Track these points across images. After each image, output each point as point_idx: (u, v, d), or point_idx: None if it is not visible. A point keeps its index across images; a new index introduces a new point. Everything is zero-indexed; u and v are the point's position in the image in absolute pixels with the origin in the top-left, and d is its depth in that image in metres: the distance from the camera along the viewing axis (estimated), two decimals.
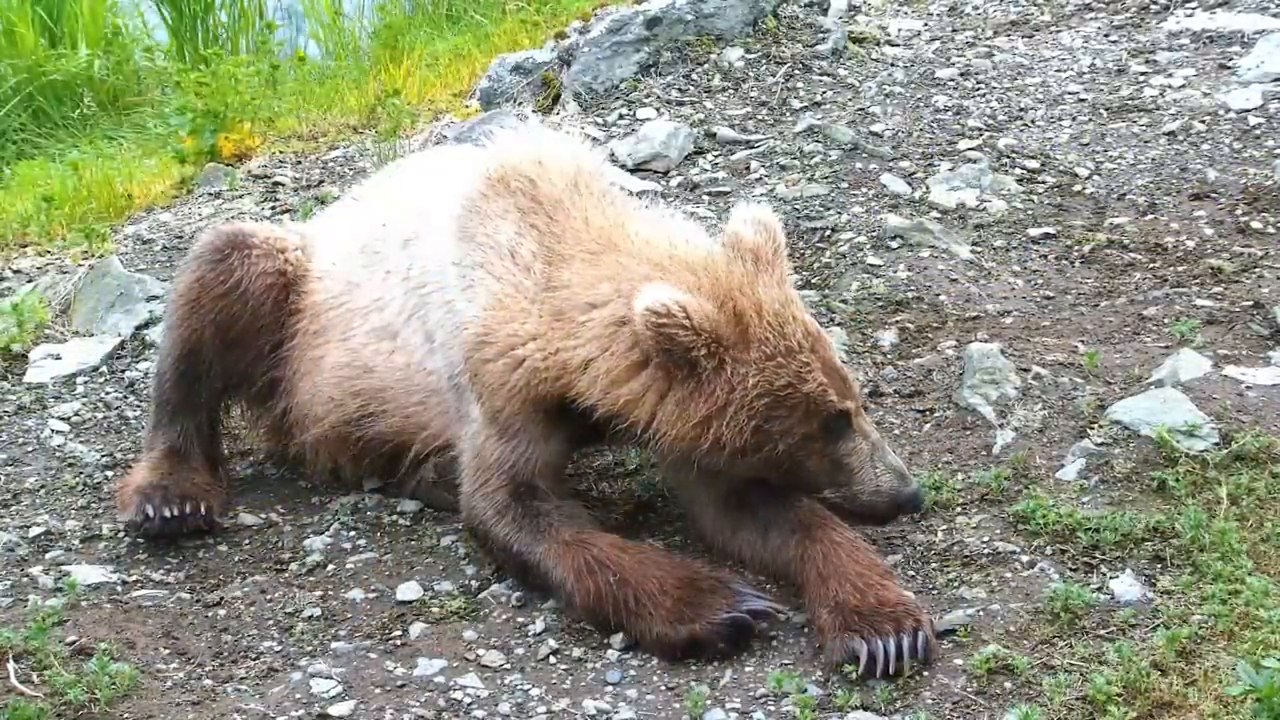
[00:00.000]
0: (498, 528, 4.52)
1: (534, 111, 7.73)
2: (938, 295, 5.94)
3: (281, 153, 8.15)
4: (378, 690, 4.13)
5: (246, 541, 4.93)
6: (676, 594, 4.20)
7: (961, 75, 7.82)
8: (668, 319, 4.15)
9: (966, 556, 4.52)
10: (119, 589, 4.64)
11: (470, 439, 4.60)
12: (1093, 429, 5.01)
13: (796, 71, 7.83)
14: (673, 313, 4.15)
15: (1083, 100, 7.52)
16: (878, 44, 8.18)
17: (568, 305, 4.43)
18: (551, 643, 4.29)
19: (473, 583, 4.62)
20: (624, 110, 7.59)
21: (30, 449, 5.44)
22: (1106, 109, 7.42)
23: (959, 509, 4.74)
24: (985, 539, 4.57)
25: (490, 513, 4.53)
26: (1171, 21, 8.29)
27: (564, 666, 4.21)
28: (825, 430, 4.30)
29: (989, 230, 6.43)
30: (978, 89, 7.69)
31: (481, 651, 4.28)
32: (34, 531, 4.93)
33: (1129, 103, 7.46)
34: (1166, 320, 5.68)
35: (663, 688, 4.09)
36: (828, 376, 4.30)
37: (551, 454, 4.57)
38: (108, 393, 5.81)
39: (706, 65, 7.86)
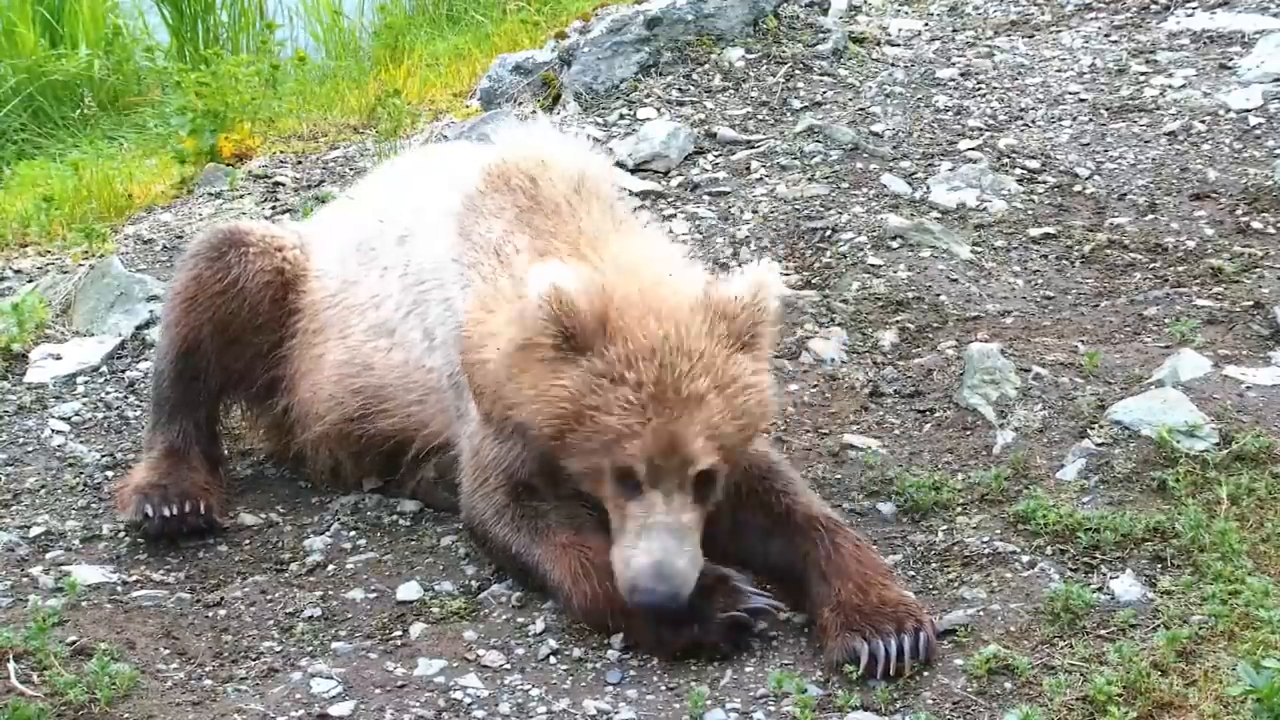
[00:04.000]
0: (496, 528, 4.51)
1: (534, 111, 7.73)
2: (938, 295, 5.94)
3: (282, 153, 8.16)
4: (378, 690, 4.12)
5: (246, 541, 4.93)
6: None
7: (962, 75, 7.83)
8: (544, 300, 4.12)
9: (966, 556, 4.52)
10: (119, 589, 4.64)
11: (469, 438, 4.59)
12: (1093, 429, 5.01)
13: (797, 71, 7.83)
14: (546, 293, 4.12)
15: (1083, 100, 7.53)
16: (878, 44, 8.18)
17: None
18: (551, 643, 4.29)
19: (473, 583, 4.62)
20: (624, 110, 7.59)
21: (30, 449, 5.43)
22: (1107, 109, 7.43)
23: (959, 509, 4.74)
24: (985, 539, 4.57)
25: (490, 513, 4.52)
26: (1171, 21, 8.29)
27: (564, 667, 4.21)
28: (616, 475, 4.16)
29: (989, 230, 6.43)
30: (978, 89, 7.69)
31: (481, 651, 4.28)
32: (34, 531, 4.93)
33: (1129, 103, 7.46)
34: (1167, 320, 5.68)
35: (663, 688, 4.09)
36: (649, 431, 4.07)
37: (545, 454, 4.54)
38: (108, 393, 5.81)
39: (707, 65, 7.85)
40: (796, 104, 7.54)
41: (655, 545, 4.08)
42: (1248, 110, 7.26)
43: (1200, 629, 4.05)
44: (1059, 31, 8.36)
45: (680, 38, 7.95)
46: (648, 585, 4.05)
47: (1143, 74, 7.75)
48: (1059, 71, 7.85)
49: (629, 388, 4.10)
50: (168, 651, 4.32)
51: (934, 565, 4.52)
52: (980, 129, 7.26)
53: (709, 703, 3.99)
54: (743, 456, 4.34)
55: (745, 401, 4.20)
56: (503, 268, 4.50)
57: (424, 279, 4.79)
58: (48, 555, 4.82)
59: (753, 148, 7.14)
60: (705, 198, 6.78)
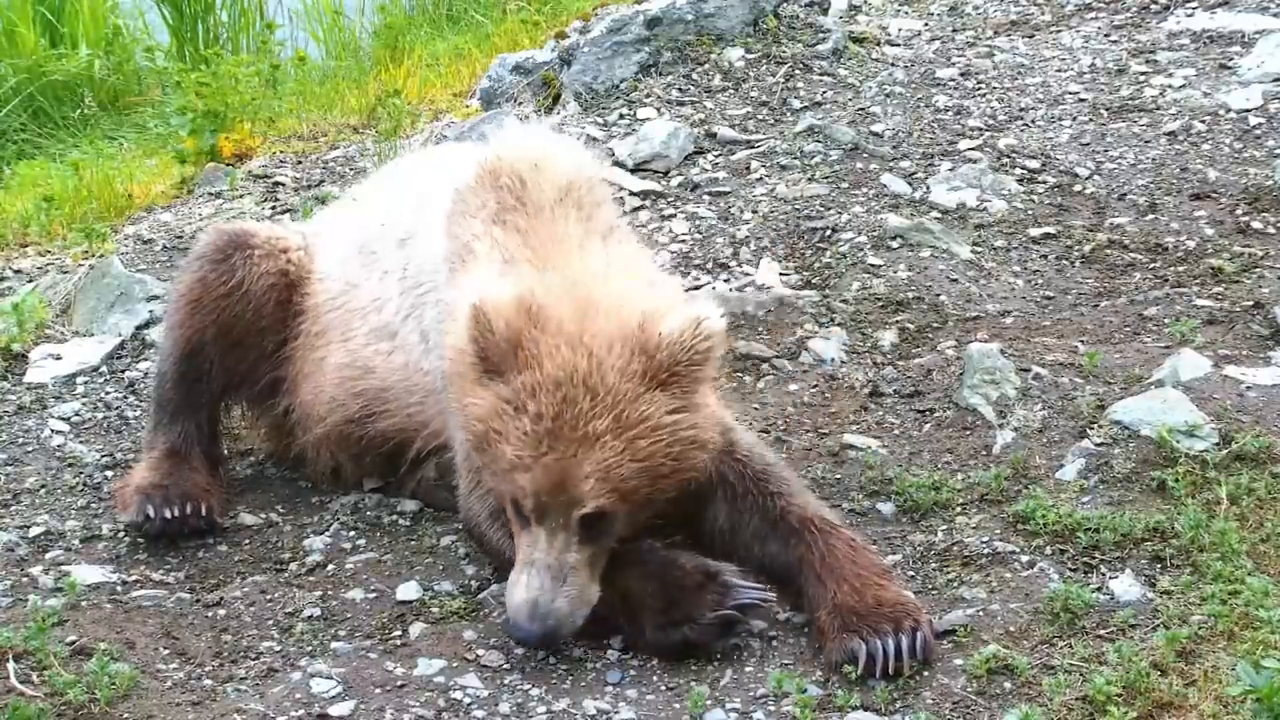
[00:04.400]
0: (491, 531, 4.50)
1: (534, 111, 7.74)
2: (938, 295, 5.94)
3: (282, 153, 8.16)
4: (378, 690, 4.13)
5: (246, 541, 4.93)
6: (665, 596, 4.17)
7: (962, 75, 7.83)
8: (467, 317, 4.11)
9: (966, 556, 4.52)
10: (119, 589, 4.64)
11: (461, 441, 4.58)
12: (1093, 429, 5.01)
13: (797, 71, 7.83)
14: (468, 311, 4.10)
15: (1083, 100, 7.53)
16: (878, 44, 8.19)
17: None
18: None
19: (473, 583, 4.62)
20: (624, 110, 7.59)
21: (30, 449, 5.43)
22: (1107, 109, 7.43)
23: (959, 509, 4.74)
24: (985, 539, 4.57)
25: (484, 515, 4.52)
26: (1171, 21, 8.29)
27: (564, 667, 4.21)
28: (511, 503, 4.15)
29: (989, 230, 6.43)
30: (978, 89, 7.69)
31: (481, 651, 4.28)
32: (34, 531, 4.93)
33: (1129, 103, 7.46)
34: (1166, 320, 5.68)
35: (663, 688, 4.09)
36: (540, 466, 4.01)
37: None
38: (108, 393, 5.81)
39: (707, 65, 7.86)
40: (796, 104, 7.54)
41: (534, 583, 4.06)
42: (1248, 110, 7.26)
43: (1200, 629, 4.05)
44: (1059, 31, 8.36)
45: (680, 38, 7.95)
46: (521, 623, 4.06)
47: (1143, 74, 7.75)
48: (1059, 71, 7.85)
49: (529, 418, 4.02)
50: (168, 651, 4.32)
51: (934, 565, 4.52)
52: (980, 129, 7.26)
53: (709, 703, 3.99)
54: (702, 476, 4.25)
55: (652, 444, 4.06)
56: (463, 270, 4.44)
57: (422, 281, 4.79)
58: (48, 555, 4.82)
59: (753, 148, 7.14)
60: (705, 198, 6.79)
